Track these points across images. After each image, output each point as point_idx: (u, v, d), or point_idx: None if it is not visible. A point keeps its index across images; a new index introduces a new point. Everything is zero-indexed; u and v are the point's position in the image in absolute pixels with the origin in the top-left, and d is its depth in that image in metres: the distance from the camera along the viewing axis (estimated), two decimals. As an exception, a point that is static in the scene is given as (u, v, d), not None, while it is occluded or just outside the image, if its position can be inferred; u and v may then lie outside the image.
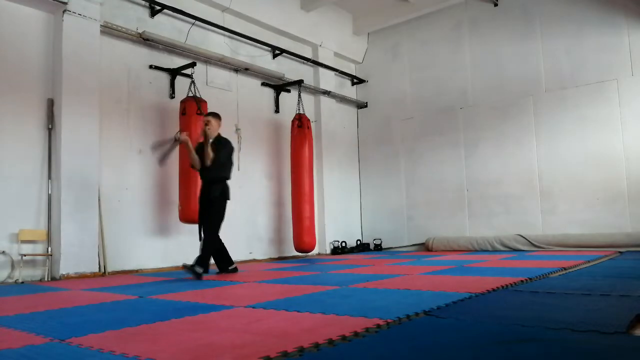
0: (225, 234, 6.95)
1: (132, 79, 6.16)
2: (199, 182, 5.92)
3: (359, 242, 9.17)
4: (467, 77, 8.53)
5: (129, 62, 6.15)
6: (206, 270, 4.68)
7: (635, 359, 1.63)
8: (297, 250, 7.48)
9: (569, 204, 7.41)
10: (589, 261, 5.19)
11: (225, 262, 5.14)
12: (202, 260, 4.64)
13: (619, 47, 7.16)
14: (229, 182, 5.06)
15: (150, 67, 6.35)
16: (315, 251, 7.98)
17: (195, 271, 4.55)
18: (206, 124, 4.92)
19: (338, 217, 8.84)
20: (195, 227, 6.42)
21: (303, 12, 8.44)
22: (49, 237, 5.23)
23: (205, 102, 6.21)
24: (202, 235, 4.91)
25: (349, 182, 9.49)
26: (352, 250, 8.90)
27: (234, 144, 7.22)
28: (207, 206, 4.94)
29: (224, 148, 4.95)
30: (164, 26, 6.52)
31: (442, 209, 8.63)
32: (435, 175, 8.76)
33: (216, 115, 5.05)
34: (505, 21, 8.18)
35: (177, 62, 6.59)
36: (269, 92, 8.07)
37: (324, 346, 1.80)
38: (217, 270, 5.14)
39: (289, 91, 8.24)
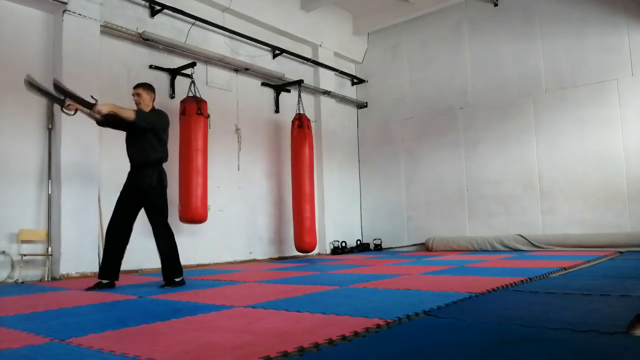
0: (226, 233, 7.01)
1: (132, 79, 6.15)
2: (200, 181, 5.96)
3: (359, 242, 9.17)
4: (467, 77, 8.53)
5: (129, 62, 6.15)
6: (180, 272, 4.10)
7: (635, 359, 1.63)
8: (298, 250, 7.48)
9: (569, 204, 7.40)
10: (589, 261, 5.19)
11: (111, 269, 4.07)
12: (173, 269, 4.05)
13: (619, 47, 7.16)
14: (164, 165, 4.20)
15: (150, 67, 6.35)
16: (315, 251, 7.98)
17: (176, 283, 4.01)
18: (136, 97, 4.19)
19: (338, 217, 8.84)
20: (195, 227, 6.44)
21: (303, 12, 8.44)
22: (49, 237, 5.22)
23: (205, 102, 6.21)
24: (117, 242, 4.07)
25: (349, 182, 9.49)
26: (352, 250, 8.90)
27: (234, 144, 7.31)
28: (140, 199, 4.08)
29: (159, 121, 4.12)
30: (164, 26, 6.52)
31: (442, 209, 8.63)
32: (435, 175, 8.76)
33: (147, 86, 4.27)
34: (505, 21, 8.18)
35: (177, 62, 6.59)
36: (269, 92, 8.07)
37: (324, 346, 1.80)
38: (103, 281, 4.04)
39: (289, 91, 8.24)
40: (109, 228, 4.13)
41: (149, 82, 6.25)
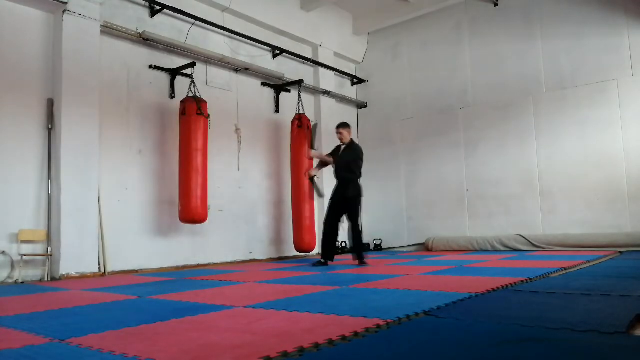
0: (226, 233, 7.00)
1: (132, 79, 6.16)
2: (200, 181, 5.96)
3: (359, 242, 9.15)
4: (467, 77, 8.53)
5: (129, 62, 6.14)
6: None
7: (635, 359, 1.63)
8: (298, 250, 7.48)
9: (569, 204, 7.40)
10: (589, 261, 5.19)
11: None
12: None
13: (619, 47, 7.16)
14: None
15: (150, 67, 6.35)
16: (315, 251, 7.97)
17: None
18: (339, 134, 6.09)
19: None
20: (195, 227, 6.44)
21: (303, 12, 8.44)
22: (49, 237, 5.22)
23: (205, 102, 6.20)
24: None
25: (349, 182, 9.47)
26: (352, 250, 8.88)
27: (234, 144, 7.31)
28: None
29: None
30: (164, 26, 6.52)
31: (442, 209, 8.62)
32: (435, 175, 8.76)
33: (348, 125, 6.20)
34: (505, 21, 8.18)
35: (177, 62, 6.59)
36: (269, 92, 8.06)
37: (324, 346, 1.80)
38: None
39: (289, 91, 8.23)
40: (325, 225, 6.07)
41: (150, 82, 6.32)
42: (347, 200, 5.91)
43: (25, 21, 5.34)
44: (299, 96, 7.81)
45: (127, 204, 5.93)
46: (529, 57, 7.90)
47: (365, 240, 9.41)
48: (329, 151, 6.56)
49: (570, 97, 7.50)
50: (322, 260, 6.01)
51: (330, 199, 6.12)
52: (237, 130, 7.34)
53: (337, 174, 6.06)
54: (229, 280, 4.45)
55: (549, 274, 4.05)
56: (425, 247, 8.54)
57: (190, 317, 2.52)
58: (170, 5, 6.43)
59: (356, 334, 1.96)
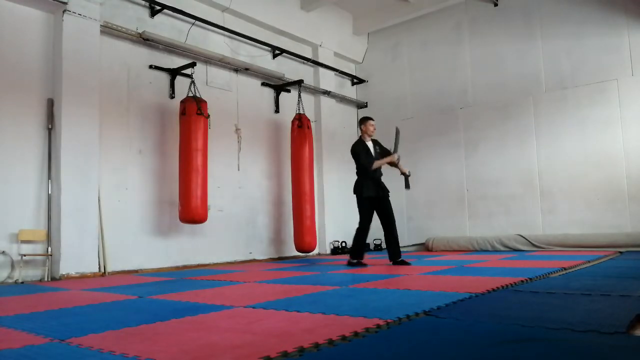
0: (226, 233, 7.01)
1: (132, 79, 6.16)
2: (200, 181, 5.96)
3: (359, 242, 9.15)
4: (467, 77, 8.53)
5: (129, 62, 6.15)
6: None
7: (635, 359, 1.63)
8: (298, 250, 7.48)
9: (569, 203, 7.40)
10: (589, 261, 5.19)
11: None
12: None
13: (619, 47, 7.16)
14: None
15: (150, 67, 6.35)
16: (315, 251, 7.98)
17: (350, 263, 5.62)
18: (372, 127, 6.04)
19: (338, 217, 8.83)
20: (195, 227, 6.44)
21: (303, 12, 8.45)
22: (49, 237, 5.22)
23: (205, 102, 6.21)
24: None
25: (349, 182, 9.44)
26: (352, 250, 8.88)
27: (234, 144, 7.32)
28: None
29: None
30: (164, 26, 6.52)
31: (442, 209, 8.63)
32: (435, 175, 8.76)
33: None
34: (505, 21, 8.18)
35: (177, 62, 6.59)
36: (269, 92, 8.07)
37: (324, 346, 1.80)
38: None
39: (289, 91, 8.24)
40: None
41: (150, 82, 6.32)
42: (387, 198, 5.88)
43: (25, 21, 5.34)
44: (299, 96, 7.81)
45: (127, 204, 5.93)
46: (529, 57, 7.90)
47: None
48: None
49: (570, 97, 7.50)
50: (357, 261, 5.73)
51: (370, 198, 5.76)
52: (237, 130, 7.35)
53: (378, 172, 5.98)
54: (229, 280, 4.45)
55: (549, 274, 4.05)
56: (425, 247, 8.54)
57: (190, 317, 2.52)
58: (170, 5, 6.43)
59: (356, 334, 1.96)
